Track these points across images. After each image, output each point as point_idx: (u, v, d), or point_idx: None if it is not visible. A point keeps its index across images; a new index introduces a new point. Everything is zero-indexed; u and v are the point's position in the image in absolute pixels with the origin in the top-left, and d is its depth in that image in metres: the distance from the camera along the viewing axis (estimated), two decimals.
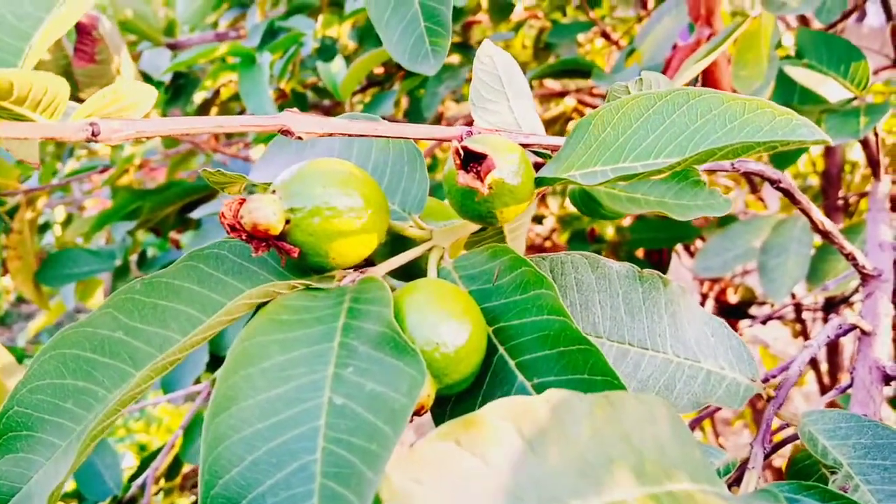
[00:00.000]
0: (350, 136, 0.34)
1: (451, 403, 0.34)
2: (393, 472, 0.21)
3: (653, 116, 0.34)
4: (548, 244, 1.75)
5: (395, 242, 0.39)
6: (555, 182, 0.35)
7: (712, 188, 0.38)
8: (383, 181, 0.39)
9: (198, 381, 1.05)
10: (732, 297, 1.80)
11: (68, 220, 1.72)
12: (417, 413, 0.30)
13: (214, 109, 1.52)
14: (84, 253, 1.23)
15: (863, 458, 0.32)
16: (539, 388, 0.32)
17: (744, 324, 1.54)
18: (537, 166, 0.41)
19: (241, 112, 1.45)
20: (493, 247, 0.35)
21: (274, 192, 0.31)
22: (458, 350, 0.31)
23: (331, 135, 0.33)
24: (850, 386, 0.49)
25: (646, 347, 0.35)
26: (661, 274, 0.36)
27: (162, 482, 1.06)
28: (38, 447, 0.33)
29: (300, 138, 0.32)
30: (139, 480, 0.92)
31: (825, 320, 1.37)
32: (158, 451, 0.97)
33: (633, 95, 0.35)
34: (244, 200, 0.30)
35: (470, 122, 0.43)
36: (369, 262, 0.38)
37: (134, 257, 1.29)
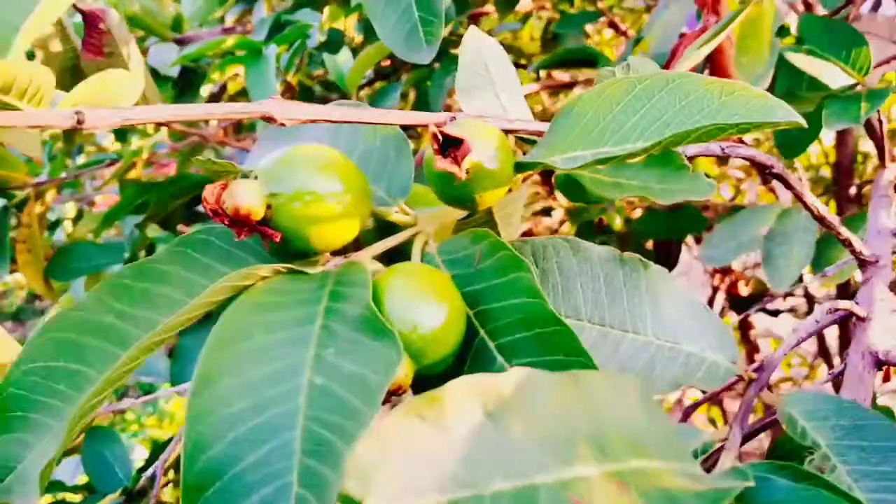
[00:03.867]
0: (333, 122, 0.34)
1: (432, 385, 0.34)
2: (359, 446, 0.22)
3: (633, 101, 0.34)
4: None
5: (382, 228, 0.39)
6: (536, 167, 0.35)
7: (696, 172, 0.38)
8: (369, 168, 0.39)
9: None
10: (744, 290, 1.79)
11: (79, 217, 1.74)
12: (395, 393, 0.31)
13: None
14: (93, 247, 1.25)
15: (841, 439, 0.32)
16: None
17: (755, 316, 1.54)
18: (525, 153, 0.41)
19: None
20: (475, 231, 0.35)
21: (255, 177, 0.32)
22: (435, 331, 0.31)
23: (313, 121, 0.34)
24: (843, 371, 0.49)
25: (626, 330, 0.35)
26: (641, 257, 0.36)
27: (171, 474, 1.07)
28: (32, 427, 0.34)
29: (283, 125, 0.33)
30: (148, 472, 0.93)
31: (828, 314, 1.35)
32: (167, 442, 0.99)
33: (614, 79, 0.35)
34: (226, 185, 0.31)
35: None
36: (357, 246, 0.38)
37: (143, 252, 1.31)
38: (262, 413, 0.28)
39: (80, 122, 0.30)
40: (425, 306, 0.31)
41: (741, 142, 0.76)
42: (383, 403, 0.29)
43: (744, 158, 0.49)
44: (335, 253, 0.36)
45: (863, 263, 0.57)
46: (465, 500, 0.22)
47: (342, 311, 0.31)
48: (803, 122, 0.30)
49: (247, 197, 0.31)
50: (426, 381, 0.34)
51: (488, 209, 0.44)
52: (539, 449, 0.23)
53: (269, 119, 0.32)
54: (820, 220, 0.53)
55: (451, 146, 0.33)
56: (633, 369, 0.34)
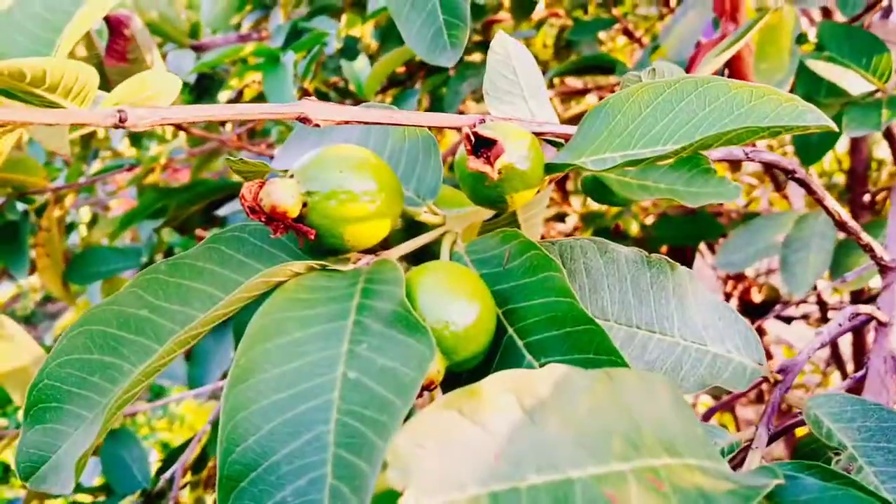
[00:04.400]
0: (366, 123, 0.35)
1: (462, 382, 0.35)
2: (398, 438, 0.22)
3: (662, 104, 0.35)
4: None
5: (410, 228, 0.40)
6: (565, 168, 0.35)
7: (722, 176, 0.39)
8: (399, 168, 0.40)
9: (224, 378, 1.07)
10: (757, 297, 1.78)
11: (93, 221, 1.76)
12: (427, 388, 0.31)
13: None
14: (111, 251, 1.26)
15: (867, 440, 0.32)
16: None
17: (768, 323, 1.53)
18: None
19: None
20: (504, 231, 0.36)
21: (292, 176, 0.33)
22: (467, 328, 0.32)
23: (347, 122, 0.34)
24: (864, 376, 0.49)
25: (653, 330, 0.35)
26: (668, 259, 0.36)
27: (189, 476, 1.08)
28: (67, 418, 0.34)
29: (318, 125, 0.33)
30: (167, 474, 0.94)
31: (850, 320, 1.35)
32: (187, 443, 0.99)
33: (643, 83, 0.36)
34: (263, 184, 0.32)
35: None
36: (385, 245, 0.39)
37: (160, 256, 1.32)
38: (297, 406, 0.29)
39: (122, 120, 0.30)
40: (457, 303, 0.32)
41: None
42: (416, 398, 0.29)
43: (766, 163, 0.49)
44: (365, 252, 0.36)
45: (883, 269, 0.57)
46: (502, 493, 0.22)
47: (375, 307, 0.31)
48: (834, 126, 0.31)
49: (284, 195, 0.31)
50: (456, 377, 0.34)
51: (512, 211, 0.45)
52: (574, 445, 0.24)
53: (304, 120, 0.33)
54: (841, 225, 0.53)
55: (483, 147, 0.33)
56: (660, 370, 0.35)
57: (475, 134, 0.33)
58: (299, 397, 0.29)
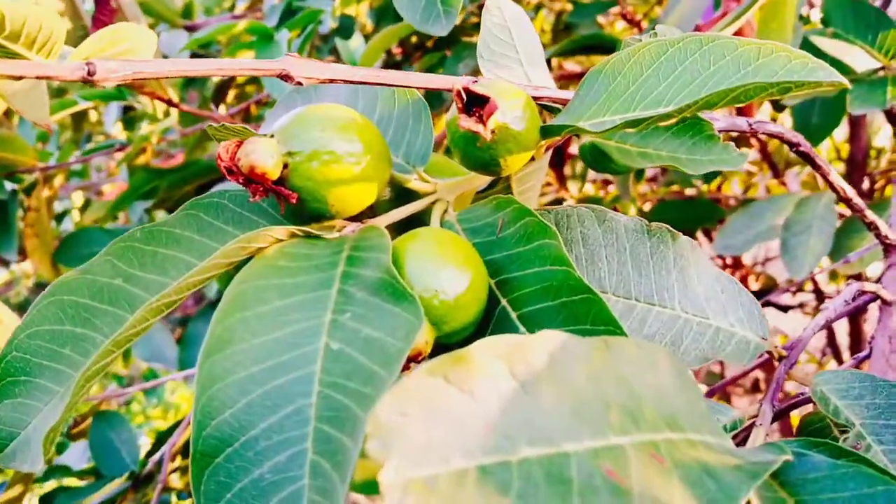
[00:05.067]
0: (352, 83, 0.33)
1: None
2: (380, 406, 0.20)
3: (665, 63, 0.33)
4: None
5: (400, 196, 0.38)
6: (562, 131, 0.34)
7: (726, 143, 0.37)
8: (388, 133, 0.38)
9: None
10: (754, 285, 1.77)
11: (86, 206, 1.74)
12: (415, 360, 0.30)
13: (232, 92, 1.52)
14: (102, 232, 1.24)
15: (876, 418, 0.31)
16: None
17: (764, 312, 1.52)
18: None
19: (260, 99, 1.45)
20: (498, 198, 0.34)
21: (272, 136, 0.31)
22: (458, 297, 0.30)
23: (332, 81, 0.33)
24: (868, 356, 0.48)
25: (652, 303, 0.34)
26: (670, 227, 0.35)
27: (178, 460, 1.06)
28: (36, 392, 0.33)
29: (300, 83, 0.31)
30: (155, 457, 0.92)
31: (855, 298, 1.33)
32: (175, 426, 0.97)
33: (644, 42, 0.34)
34: (241, 143, 0.30)
35: None
36: (372, 214, 0.37)
37: None
38: (277, 378, 0.27)
39: (90, 73, 0.28)
40: (447, 271, 0.30)
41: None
42: (402, 371, 0.27)
43: (771, 135, 0.47)
44: (351, 219, 0.34)
45: (888, 248, 0.56)
46: (491, 466, 0.21)
47: (360, 275, 0.30)
48: (846, 83, 0.29)
49: (263, 155, 0.29)
50: (445, 349, 0.33)
51: (507, 184, 0.43)
52: (570, 417, 0.22)
53: (285, 77, 0.31)
54: (846, 201, 0.51)
55: (475, 105, 0.31)
56: (660, 343, 0.33)
57: (467, 91, 0.31)
58: (279, 369, 0.27)
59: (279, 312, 0.29)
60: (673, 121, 0.31)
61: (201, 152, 1.50)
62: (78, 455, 1.15)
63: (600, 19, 1.62)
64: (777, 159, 1.41)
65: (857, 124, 1.18)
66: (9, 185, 1.19)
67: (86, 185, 1.81)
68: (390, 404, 0.20)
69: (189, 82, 1.35)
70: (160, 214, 1.44)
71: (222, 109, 1.45)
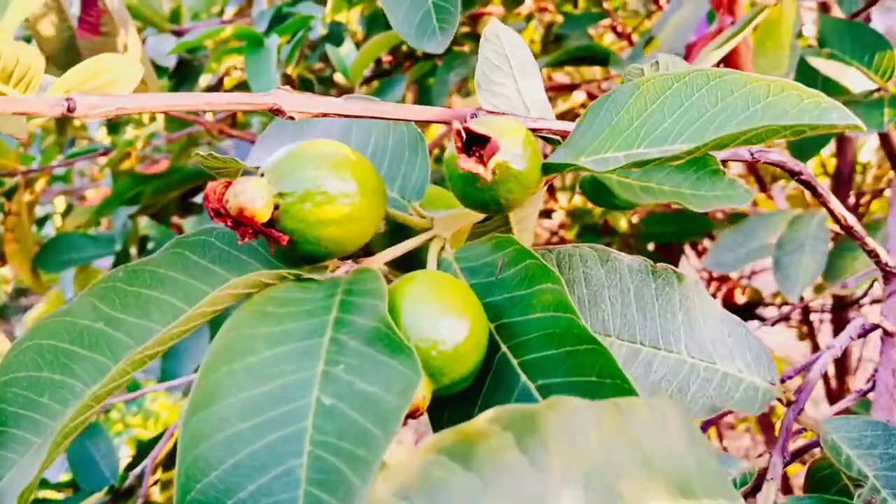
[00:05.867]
0: (346, 116, 0.32)
1: (450, 406, 0.32)
2: (379, 486, 0.19)
3: (670, 98, 0.32)
4: (555, 239, 1.72)
5: (395, 231, 0.37)
6: (564, 168, 0.32)
7: (732, 178, 0.36)
8: (382, 166, 0.37)
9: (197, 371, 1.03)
10: (740, 299, 1.77)
11: (68, 211, 1.70)
12: (412, 415, 0.28)
13: None
14: (83, 238, 1.21)
15: (891, 469, 0.30)
16: (543, 390, 0.29)
17: (753, 325, 1.51)
18: (547, 155, 0.38)
19: None
20: (497, 237, 0.33)
21: (262, 175, 0.29)
22: (457, 347, 0.28)
23: (325, 115, 0.31)
24: (870, 390, 0.47)
25: (658, 347, 0.32)
26: (675, 269, 0.33)
27: (160, 473, 1.04)
28: (12, 444, 0.31)
29: (292, 118, 0.30)
30: (136, 470, 0.90)
31: (833, 322, 1.34)
32: (157, 438, 0.95)
33: (648, 76, 0.33)
34: (230, 183, 0.28)
35: None
36: (367, 251, 0.36)
37: (134, 244, 1.27)
38: (265, 436, 0.26)
39: (70, 109, 0.27)
40: (447, 320, 0.29)
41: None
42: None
43: (773, 164, 0.46)
44: (345, 258, 0.33)
45: (888, 275, 0.55)
46: None
47: (354, 322, 0.28)
48: (862, 126, 0.28)
49: (252, 196, 0.28)
50: (444, 400, 0.31)
51: (504, 215, 0.42)
52: (581, 488, 0.21)
53: (276, 111, 0.30)
54: (846, 229, 0.51)
55: (475, 144, 0.30)
56: (666, 390, 0.32)
57: (467, 130, 0.29)
58: (268, 425, 0.26)
59: (268, 363, 0.27)
60: (681, 161, 0.30)
61: (186, 158, 1.47)
62: (56, 466, 1.12)
63: (590, 31, 1.61)
64: (763, 173, 1.41)
65: (843, 140, 1.17)
66: None
67: (68, 189, 1.78)
68: (392, 485, 0.19)
69: (177, 86, 1.32)
70: (144, 221, 1.42)
71: (209, 115, 1.43)
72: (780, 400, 0.34)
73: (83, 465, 0.94)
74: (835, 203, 0.50)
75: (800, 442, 0.35)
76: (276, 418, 0.26)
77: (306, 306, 0.29)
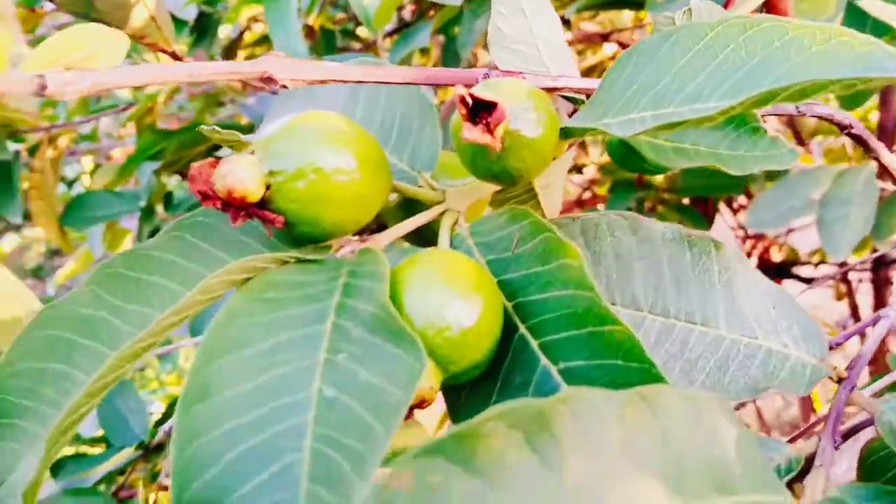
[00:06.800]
0: (344, 82, 0.29)
1: (467, 389, 0.29)
2: (376, 496, 0.17)
3: (703, 51, 0.28)
4: (586, 195, 1.66)
5: (409, 204, 0.34)
6: (585, 133, 0.30)
7: (774, 136, 0.32)
8: (391, 136, 0.34)
9: None
10: (776, 257, 1.71)
11: (96, 171, 1.71)
12: (419, 406, 0.26)
13: (242, 53, 1.47)
14: (108, 195, 1.21)
15: None
16: (566, 374, 0.27)
17: (796, 289, 1.45)
18: (571, 115, 0.35)
19: None
20: (513, 209, 0.30)
21: (252, 152, 0.27)
22: (466, 333, 0.26)
23: (322, 81, 0.29)
24: None
25: (694, 322, 0.30)
26: (713, 237, 0.30)
27: None
28: (22, 436, 0.30)
29: (284, 87, 0.28)
30: (166, 426, 0.90)
31: (873, 282, 1.27)
32: None
33: (678, 26, 0.29)
34: (217, 162, 0.26)
35: None
36: (381, 226, 0.34)
37: (159, 200, 1.27)
38: (264, 430, 0.24)
39: (42, 88, 0.25)
40: (454, 303, 0.26)
41: None
42: (406, 418, 0.24)
43: (821, 118, 0.42)
44: (357, 233, 0.31)
45: None
46: None
47: (357, 308, 0.26)
48: None
49: (242, 177, 0.26)
50: (458, 387, 0.29)
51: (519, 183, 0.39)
52: (602, 489, 0.19)
53: (267, 80, 0.27)
54: None
55: (482, 111, 0.27)
56: (703, 369, 0.29)
57: (472, 96, 0.26)
58: (266, 419, 0.24)
59: (267, 353, 0.25)
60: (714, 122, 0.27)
61: (210, 114, 1.45)
62: (90, 421, 1.13)
63: None
64: (801, 128, 1.33)
65: (887, 90, 1.10)
66: (12, 147, 1.15)
67: (94, 148, 1.78)
68: (392, 493, 0.17)
69: (197, 40, 1.29)
70: (174, 180, 1.39)
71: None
72: (829, 377, 0.31)
73: (113, 422, 0.95)
74: (889, 157, 0.46)
75: (848, 422, 0.32)
76: (276, 411, 0.24)
77: (307, 290, 0.27)
